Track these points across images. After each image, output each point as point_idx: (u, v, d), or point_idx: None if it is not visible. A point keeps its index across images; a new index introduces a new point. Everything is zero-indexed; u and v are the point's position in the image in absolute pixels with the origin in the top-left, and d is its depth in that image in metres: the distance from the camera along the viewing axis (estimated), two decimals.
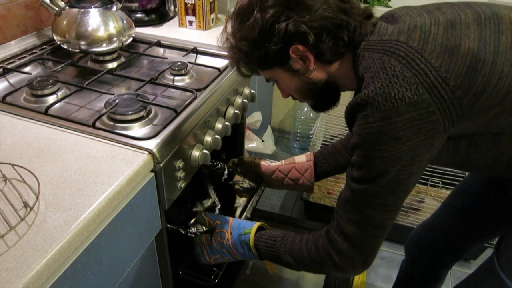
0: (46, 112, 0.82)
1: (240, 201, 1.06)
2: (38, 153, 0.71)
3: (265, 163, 1.07)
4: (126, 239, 0.71)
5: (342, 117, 2.04)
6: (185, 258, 1.02)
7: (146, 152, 0.72)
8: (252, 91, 1.13)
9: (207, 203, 1.03)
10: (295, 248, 0.78)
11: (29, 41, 1.12)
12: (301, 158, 1.05)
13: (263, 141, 1.63)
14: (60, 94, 0.92)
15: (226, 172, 1.09)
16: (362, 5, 0.72)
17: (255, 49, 0.69)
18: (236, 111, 1.03)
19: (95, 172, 0.67)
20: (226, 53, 0.76)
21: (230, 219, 0.87)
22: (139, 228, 0.75)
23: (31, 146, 0.73)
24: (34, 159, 0.69)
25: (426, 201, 1.77)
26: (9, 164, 0.66)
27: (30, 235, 0.55)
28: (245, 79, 1.12)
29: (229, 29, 0.72)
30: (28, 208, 0.58)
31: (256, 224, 0.84)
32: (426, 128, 0.60)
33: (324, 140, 1.99)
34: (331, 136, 2.01)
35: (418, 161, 0.63)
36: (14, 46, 1.08)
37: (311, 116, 2.12)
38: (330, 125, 1.96)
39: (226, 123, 0.98)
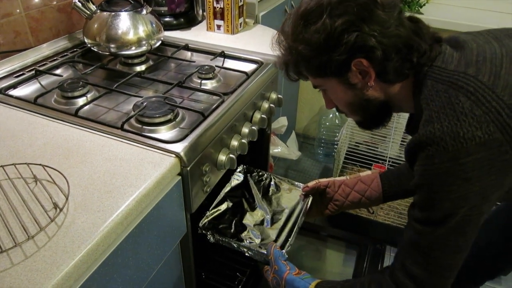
0: (76, 114, 0.83)
1: (287, 212, 1.00)
2: (67, 154, 0.71)
3: (329, 179, 1.00)
4: (152, 242, 0.71)
5: None
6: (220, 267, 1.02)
7: (174, 155, 0.72)
8: (279, 96, 1.12)
9: (257, 215, 0.99)
10: None
11: (61, 44, 1.14)
12: (365, 172, 1.00)
13: (287, 146, 1.61)
14: (89, 96, 0.93)
15: (272, 182, 1.07)
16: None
17: (316, 55, 0.64)
18: (263, 115, 1.02)
19: (123, 174, 0.67)
20: (277, 53, 0.72)
21: (286, 271, 0.79)
22: (165, 232, 0.74)
23: (61, 147, 0.73)
24: (64, 160, 0.70)
25: None
26: (40, 165, 0.67)
27: (60, 236, 0.55)
28: (272, 84, 1.11)
29: (287, 29, 0.67)
30: (58, 209, 0.58)
31: (313, 284, 0.77)
32: (497, 167, 0.56)
33: (349, 147, 1.95)
34: (356, 143, 1.97)
35: (487, 200, 0.59)
36: (46, 49, 1.10)
37: (337, 122, 2.09)
38: (356, 131, 1.93)
39: (253, 127, 0.97)
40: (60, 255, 0.53)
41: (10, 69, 1.00)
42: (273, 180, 1.07)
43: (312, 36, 0.63)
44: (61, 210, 0.58)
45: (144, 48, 1.08)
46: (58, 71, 1.06)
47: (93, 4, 1.08)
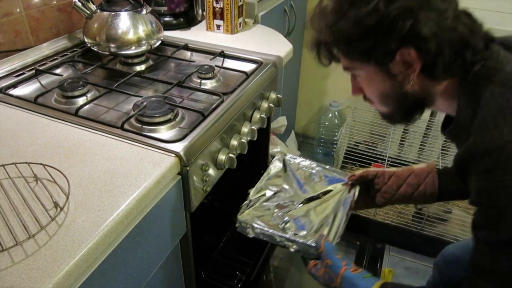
0: (76, 114, 0.83)
1: (332, 203, 0.94)
2: (68, 153, 0.72)
3: (379, 169, 0.92)
4: (152, 241, 0.71)
5: (368, 124, 1.99)
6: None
7: (173, 155, 0.72)
8: (278, 95, 1.12)
9: (300, 205, 0.93)
10: None
11: (61, 43, 1.14)
12: (419, 165, 0.91)
13: (287, 146, 1.62)
14: (89, 96, 0.93)
15: (314, 170, 1.02)
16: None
17: (362, 38, 0.58)
18: (262, 115, 1.02)
19: (123, 174, 0.67)
20: (312, 31, 0.65)
21: (343, 266, 0.72)
22: (164, 231, 0.75)
23: (61, 147, 0.74)
24: (64, 159, 0.70)
25: (454, 212, 1.72)
26: (40, 164, 0.67)
27: (60, 235, 0.56)
28: (272, 84, 1.11)
29: (330, 5, 0.61)
30: (59, 208, 0.59)
31: (376, 285, 0.68)
32: None
33: (348, 147, 1.96)
34: (356, 142, 1.98)
35: None
36: (46, 48, 1.10)
37: (336, 122, 2.09)
38: (355, 131, 1.94)
39: (253, 127, 0.97)
40: (60, 254, 0.53)
41: (10, 68, 1.00)
42: (314, 168, 1.02)
43: (362, 17, 0.57)
44: (61, 209, 0.59)
45: (144, 48, 1.08)
46: (58, 71, 1.06)
47: (93, 4, 1.08)
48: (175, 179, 0.73)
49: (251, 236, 0.84)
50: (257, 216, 0.88)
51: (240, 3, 1.25)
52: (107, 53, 1.07)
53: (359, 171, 0.93)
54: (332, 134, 2.13)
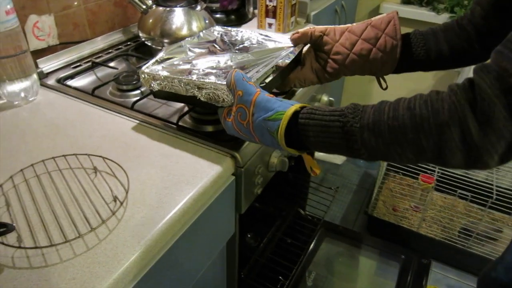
0: (132, 107, 0.83)
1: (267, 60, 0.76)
2: (125, 147, 0.72)
3: (326, 26, 0.76)
4: (204, 241, 0.70)
5: None
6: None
7: (229, 155, 0.71)
8: (330, 98, 1.09)
9: (223, 60, 0.77)
10: (385, 117, 0.47)
11: (115, 37, 1.16)
12: (378, 16, 0.75)
13: None
14: (143, 89, 0.93)
15: (255, 40, 0.87)
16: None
17: None
18: None
19: (179, 172, 0.66)
20: None
21: (256, 91, 0.58)
22: (215, 231, 0.74)
23: (118, 140, 0.74)
24: (122, 153, 0.70)
25: (505, 231, 1.63)
26: (100, 156, 0.67)
27: (120, 230, 0.55)
28: (324, 86, 1.08)
29: None
30: (118, 203, 0.58)
31: (293, 107, 0.55)
32: None
33: None
34: None
35: None
36: (101, 41, 1.12)
37: None
38: None
39: None
40: (120, 249, 0.52)
41: (68, 59, 1.02)
42: (256, 38, 0.88)
43: None
44: (121, 203, 0.58)
45: None
46: (112, 64, 1.07)
47: None
48: (229, 179, 0.72)
49: (155, 89, 0.73)
50: (166, 69, 0.74)
51: (293, 2, 1.23)
52: (160, 48, 1.08)
53: (303, 29, 0.78)
54: None
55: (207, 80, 0.67)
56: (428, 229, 1.67)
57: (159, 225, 0.56)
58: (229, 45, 0.85)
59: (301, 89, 0.95)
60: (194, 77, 0.69)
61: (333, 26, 0.76)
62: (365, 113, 0.49)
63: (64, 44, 1.02)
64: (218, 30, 0.92)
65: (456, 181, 1.70)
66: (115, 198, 0.60)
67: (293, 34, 0.78)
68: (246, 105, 0.59)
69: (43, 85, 0.93)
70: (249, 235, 1.25)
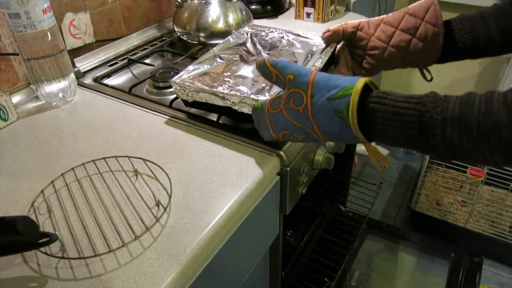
0: (170, 105, 0.80)
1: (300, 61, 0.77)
2: (165, 148, 0.69)
3: (359, 21, 0.71)
4: (249, 245, 0.67)
5: None
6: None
7: (274, 154, 0.67)
8: None
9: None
10: (475, 111, 0.41)
11: (150, 33, 1.14)
12: (416, 3, 0.68)
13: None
14: None
15: (285, 39, 0.86)
16: None
17: None
18: None
19: (222, 173, 0.63)
20: None
21: (312, 71, 0.52)
22: (260, 234, 0.70)
23: (157, 140, 0.71)
24: (162, 154, 0.68)
25: None
26: (140, 158, 0.65)
27: (164, 237, 0.53)
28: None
29: None
30: (162, 208, 0.56)
31: (362, 80, 0.47)
32: None
33: None
34: None
35: None
36: (136, 38, 1.10)
37: None
38: None
39: None
40: (166, 258, 0.50)
41: (104, 57, 1.01)
42: (286, 36, 0.86)
43: None
44: (165, 209, 0.56)
45: None
46: (148, 61, 1.05)
47: None
48: (274, 179, 0.68)
49: (190, 101, 0.72)
50: (198, 79, 0.74)
51: None
52: (196, 42, 1.05)
53: (335, 26, 0.72)
54: None
55: (239, 94, 0.66)
56: (475, 224, 1.57)
57: (205, 232, 0.53)
58: (259, 49, 0.83)
59: None
60: (226, 88, 0.69)
61: (366, 19, 0.70)
62: (448, 103, 0.42)
63: (100, 42, 1.01)
64: (247, 30, 0.90)
65: (507, 174, 1.59)
66: (158, 203, 0.57)
67: (324, 33, 0.73)
68: (301, 88, 0.51)
69: (81, 84, 0.92)
70: (288, 233, 1.21)
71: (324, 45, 0.75)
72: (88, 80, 0.93)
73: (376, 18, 0.70)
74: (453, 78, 1.93)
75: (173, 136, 0.72)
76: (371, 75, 0.71)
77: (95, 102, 0.85)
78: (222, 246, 0.57)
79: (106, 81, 0.94)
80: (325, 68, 0.76)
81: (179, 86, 0.73)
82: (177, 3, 1.05)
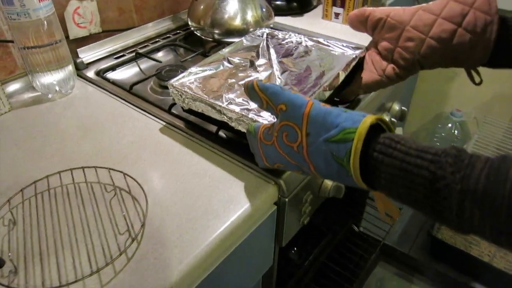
0: (169, 110, 0.73)
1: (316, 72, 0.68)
2: (154, 160, 0.62)
3: (390, 8, 0.60)
4: (233, 281, 0.59)
5: (497, 142, 1.64)
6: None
7: (272, 182, 0.58)
8: (403, 108, 0.92)
9: (266, 74, 0.68)
10: (507, 188, 0.30)
11: (164, 24, 1.06)
12: None
13: None
14: None
15: (303, 44, 0.77)
16: None
17: None
18: None
19: (209, 198, 0.55)
20: None
21: (308, 101, 0.43)
22: (249, 267, 0.62)
23: (147, 150, 0.64)
24: (148, 168, 0.61)
25: None
26: (121, 172, 0.58)
27: (127, 274, 0.46)
28: (396, 93, 0.91)
29: None
30: (132, 236, 0.49)
31: (367, 120, 0.39)
32: None
33: None
34: None
35: None
36: (148, 29, 1.03)
37: (456, 134, 1.79)
38: (478, 148, 1.62)
39: None
40: None
41: (111, 49, 0.95)
42: (304, 42, 0.76)
43: None
44: (133, 239, 0.49)
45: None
46: (159, 54, 0.99)
47: None
48: (270, 210, 0.60)
49: (185, 108, 0.66)
50: (198, 85, 0.66)
51: None
52: (211, 39, 0.97)
53: (355, 10, 0.62)
54: None
55: (237, 110, 0.58)
56: (502, 261, 1.44)
57: (175, 273, 0.46)
58: (272, 54, 0.74)
59: (365, 96, 0.79)
60: (226, 100, 0.61)
61: (400, 7, 0.58)
62: (473, 169, 0.32)
63: (108, 32, 0.95)
64: (264, 31, 0.82)
65: None
66: (129, 229, 0.50)
67: (351, 14, 0.63)
68: (295, 122, 0.43)
69: (82, 77, 0.86)
70: (293, 251, 1.13)
71: (347, 58, 0.67)
72: (90, 72, 0.87)
73: (412, 6, 0.58)
74: (505, 94, 1.75)
75: (165, 147, 0.65)
76: (406, 76, 0.61)
77: (93, 98, 0.79)
78: (196, 286, 0.50)
79: (110, 74, 0.88)
80: (345, 85, 0.67)
81: (176, 90, 0.66)
82: None
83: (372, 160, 0.38)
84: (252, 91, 0.48)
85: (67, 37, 0.86)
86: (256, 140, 0.50)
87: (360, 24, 0.62)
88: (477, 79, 0.59)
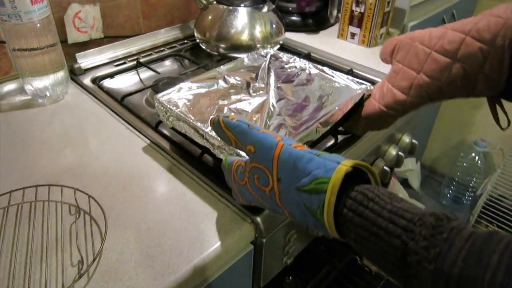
0: (156, 128, 0.69)
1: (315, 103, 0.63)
2: (127, 184, 0.58)
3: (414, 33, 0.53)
4: None
5: None
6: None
7: (249, 220, 0.53)
8: (413, 140, 0.85)
9: (259, 101, 0.64)
10: (487, 276, 0.24)
11: (172, 33, 1.03)
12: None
13: (414, 186, 1.31)
14: None
15: (307, 71, 0.71)
16: None
17: None
18: (385, 167, 0.77)
19: (176, 234, 0.50)
20: None
21: (277, 142, 0.38)
22: None
23: (123, 171, 0.60)
24: (119, 192, 0.56)
25: None
26: (87, 195, 0.54)
27: None
28: (408, 123, 0.84)
29: None
30: (79, 274, 0.44)
31: (342, 169, 0.34)
32: None
33: (489, 199, 1.55)
34: (499, 195, 1.56)
35: None
36: (155, 37, 1.00)
37: (479, 164, 1.68)
38: (503, 181, 1.51)
39: None
40: None
41: (113, 55, 0.92)
42: (308, 69, 0.71)
43: None
44: (81, 275, 0.44)
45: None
46: (166, 63, 0.95)
47: None
48: (245, 249, 0.54)
49: (169, 126, 0.62)
50: (187, 103, 0.62)
51: (387, 9, 0.99)
52: (216, 53, 0.92)
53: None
54: (469, 179, 1.72)
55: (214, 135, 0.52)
56: None
57: None
58: (271, 78, 0.69)
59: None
60: (209, 125, 0.55)
61: (427, 29, 0.51)
62: (451, 247, 0.27)
63: (111, 38, 0.92)
64: (268, 52, 0.77)
65: None
66: (82, 261, 0.46)
67: (384, 47, 0.56)
68: (265, 165, 0.39)
69: (78, 82, 0.83)
70: (287, 279, 1.07)
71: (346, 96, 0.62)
72: (87, 79, 0.84)
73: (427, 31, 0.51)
74: None
75: (143, 168, 0.61)
76: (411, 108, 0.53)
77: (83, 106, 0.76)
78: None
79: (107, 82, 0.85)
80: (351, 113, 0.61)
81: (162, 106, 0.62)
82: (202, 5, 0.93)
83: (341, 216, 0.34)
84: (219, 128, 0.44)
85: (65, 41, 0.84)
86: (230, 176, 0.46)
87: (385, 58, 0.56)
88: (503, 124, 0.52)
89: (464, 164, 1.71)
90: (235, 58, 0.89)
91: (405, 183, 1.58)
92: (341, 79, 0.67)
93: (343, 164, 0.34)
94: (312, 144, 0.59)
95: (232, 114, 0.61)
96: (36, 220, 0.51)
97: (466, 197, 1.77)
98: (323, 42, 1.04)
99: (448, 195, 1.81)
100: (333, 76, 0.68)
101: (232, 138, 0.42)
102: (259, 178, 0.40)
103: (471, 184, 1.73)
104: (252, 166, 0.40)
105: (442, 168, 1.92)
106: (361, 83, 0.64)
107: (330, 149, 0.66)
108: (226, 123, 0.42)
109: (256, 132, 0.40)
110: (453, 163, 1.77)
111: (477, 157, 1.67)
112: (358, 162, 0.35)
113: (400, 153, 0.80)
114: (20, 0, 0.65)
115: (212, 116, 0.46)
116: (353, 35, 1.02)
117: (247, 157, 0.42)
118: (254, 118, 0.60)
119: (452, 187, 1.80)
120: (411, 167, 1.10)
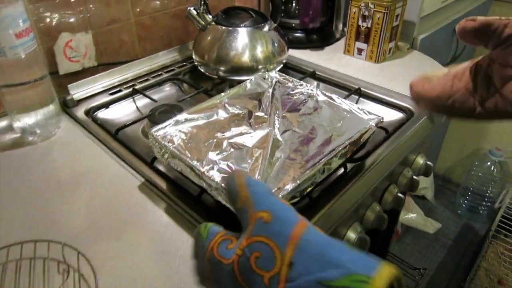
0: (151, 164, 0.64)
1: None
2: (119, 233, 0.53)
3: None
4: None
5: None
6: None
7: None
8: (428, 162, 0.79)
9: (263, 133, 0.59)
10: None
11: (170, 56, 0.99)
12: None
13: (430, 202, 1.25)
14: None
15: (316, 98, 0.67)
16: None
17: None
18: (399, 194, 0.71)
19: None
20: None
21: (299, 220, 0.31)
22: None
23: (115, 217, 0.56)
24: (112, 243, 0.52)
25: None
26: (76, 250, 0.50)
27: None
28: (422, 144, 0.79)
29: None
30: None
31: (386, 269, 0.27)
32: None
33: (508, 210, 1.48)
34: None
35: None
36: (152, 61, 0.96)
37: (495, 173, 1.61)
38: None
39: (381, 213, 0.68)
40: None
41: (108, 83, 0.88)
42: (316, 96, 0.66)
43: None
44: None
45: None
46: (165, 87, 0.91)
47: (210, 14, 0.89)
48: None
49: (165, 164, 0.58)
50: (183, 136, 0.57)
51: (395, 23, 0.93)
52: (215, 76, 0.88)
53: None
54: (485, 189, 1.66)
55: (216, 179, 0.49)
56: None
57: None
58: (275, 106, 0.65)
59: (391, 152, 0.67)
60: (207, 163, 0.52)
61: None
62: None
63: (106, 65, 0.88)
64: (274, 76, 0.72)
65: None
66: None
67: (466, 21, 0.37)
68: (276, 241, 0.30)
69: (71, 115, 0.79)
70: None
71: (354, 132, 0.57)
72: (80, 111, 0.80)
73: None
74: None
75: (138, 212, 0.56)
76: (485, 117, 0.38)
77: (75, 143, 0.72)
78: None
79: (101, 113, 0.81)
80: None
81: (156, 142, 0.57)
82: (200, 26, 0.89)
83: None
84: (232, 182, 0.35)
85: (56, 72, 0.80)
86: (204, 250, 0.33)
87: (468, 38, 0.38)
88: None
89: (479, 174, 1.64)
90: (236, 81, 0.85)
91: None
92: (350, 107, 0.62)
93: (385, 266, 0.27)
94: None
95: (232, 150, 0.56)
96: (21, 283, 0.47)
97: (483, 207, 1.70)
98: (328, 58, 0.99)
99: (464, 205, 1.75)
100: (341, 104, 0.63)
101: (244, 196, 0.34)
102: (261, 258, 0.30)
103: (487, 194, 1.66)
104: (256, 241, 0.31)
105: (456, 177, 1.85)
106: (370, 113, 0.59)
107: (340, 179, 0.61)
108: (247, 180, 0.34)
109: (275, 199, 0.33)
110: (468, 173, 1.70)
111: (492, 166, 1.61)
112: (398, 273, 0.28)
113: (414, 177, 0.74)
114: (4, 36, 0.61)
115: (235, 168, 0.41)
116: (360, 50, 0.97)
117: (238, 233, 0.33)
118: (256, 154, 0.55)
119: (467, 196, 1.73)
120: (425, 185, 1.05)
